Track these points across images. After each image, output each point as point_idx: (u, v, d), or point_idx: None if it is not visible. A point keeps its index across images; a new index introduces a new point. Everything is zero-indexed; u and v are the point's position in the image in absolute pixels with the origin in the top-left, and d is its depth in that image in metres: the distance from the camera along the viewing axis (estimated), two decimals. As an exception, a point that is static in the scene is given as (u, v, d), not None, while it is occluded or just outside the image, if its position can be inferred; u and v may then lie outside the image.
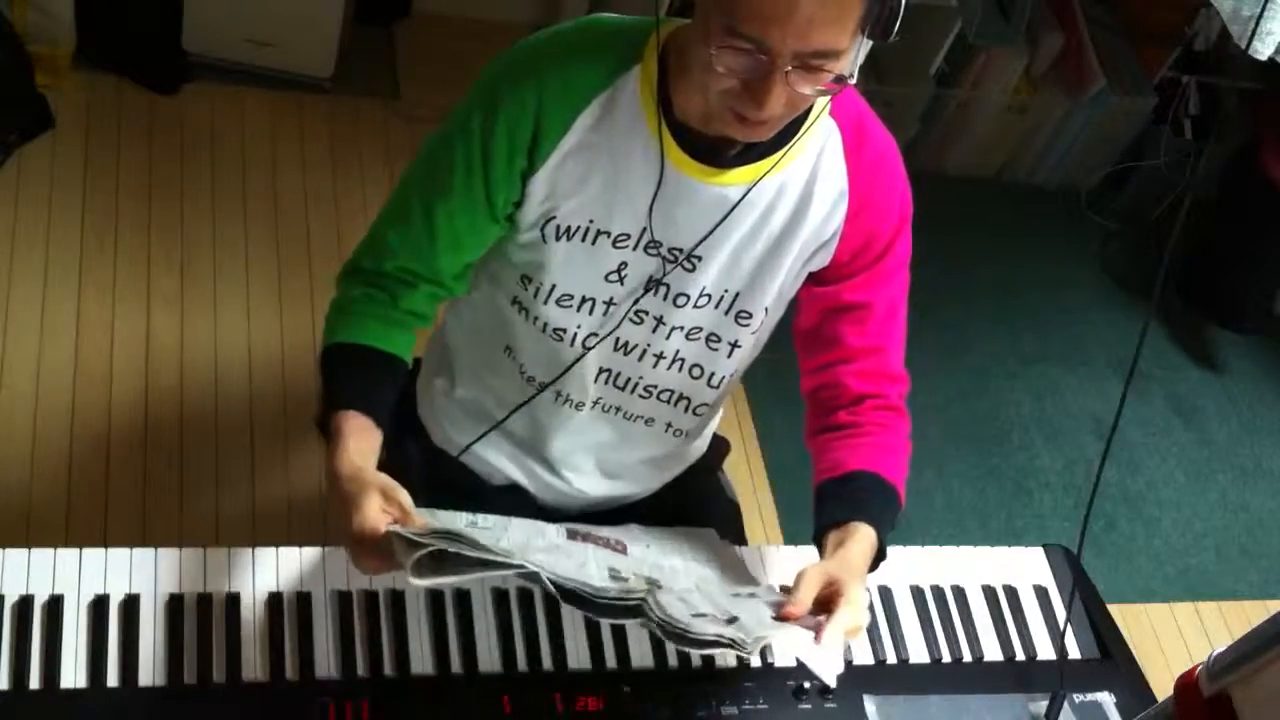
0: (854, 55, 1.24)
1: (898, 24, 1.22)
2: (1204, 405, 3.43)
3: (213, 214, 2.88)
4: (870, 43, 1.25)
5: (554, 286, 1.48)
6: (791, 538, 2.68)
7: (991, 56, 3.36)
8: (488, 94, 1.39)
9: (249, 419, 2.59)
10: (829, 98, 1.34)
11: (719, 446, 1.90)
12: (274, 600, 1.42)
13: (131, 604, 1.38)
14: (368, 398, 1.43)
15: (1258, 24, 1.54)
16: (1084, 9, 3.51)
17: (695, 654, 1.46)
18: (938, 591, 1.65)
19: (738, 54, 1.21)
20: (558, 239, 1.43)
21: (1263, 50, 1.57)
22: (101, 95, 2.99)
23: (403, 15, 3.35)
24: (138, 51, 3.01)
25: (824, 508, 1.49)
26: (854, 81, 1.26)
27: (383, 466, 1.40)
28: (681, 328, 1.52)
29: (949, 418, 3.12)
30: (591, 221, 1.42)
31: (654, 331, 1.52)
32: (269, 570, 1.45)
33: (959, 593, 1.65)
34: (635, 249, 1.44)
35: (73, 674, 1.33)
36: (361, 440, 1.39)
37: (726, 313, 1.51)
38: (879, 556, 1.45)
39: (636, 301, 1.49)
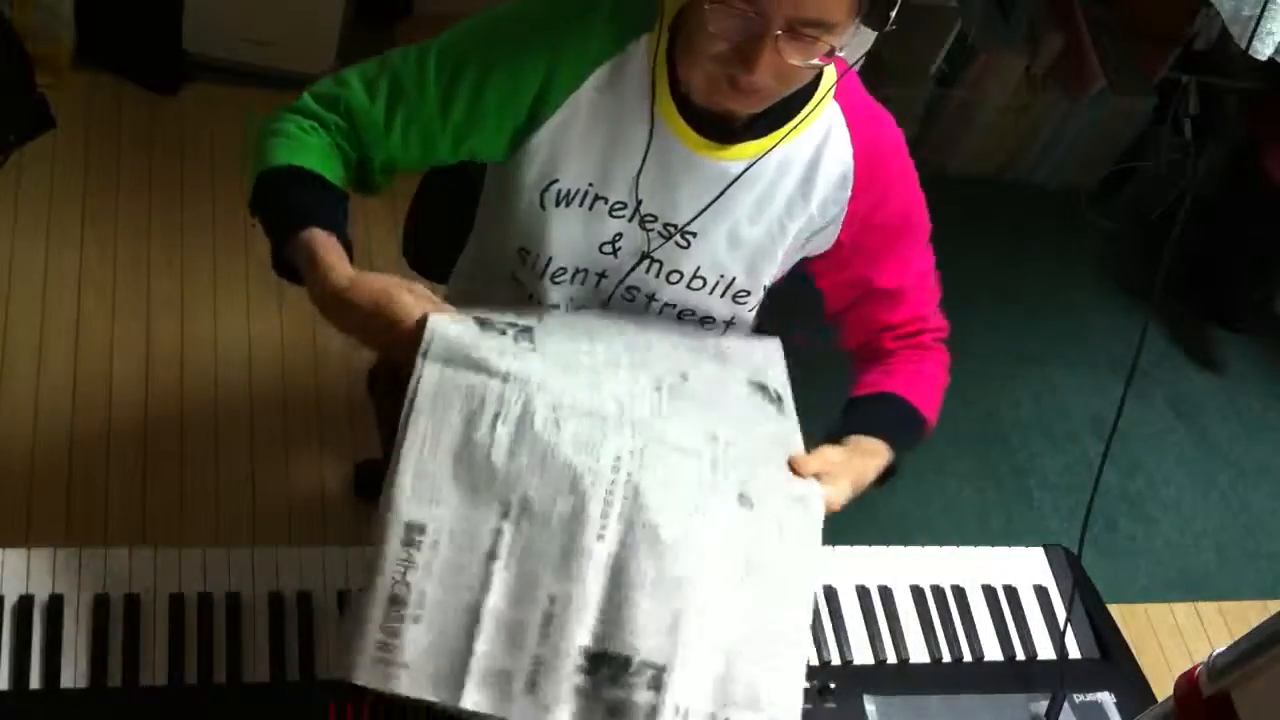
0: (848, 35, 1.24)
1: (894, 12, 1.23)
2: (1204, 405, 3.43)
3: (212, 214, 2.88)
4: (871, 34, 1.26)
5: (551, 259, 1.47)
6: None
7: (991, 56, 3.37)
8: (501, 33, 1.37)
9: (249, 419, 2.59)
10: (834, 81, 1.36)
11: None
12: (275, 600, 1.42)
13: (132, 604, 1.38)
14: (334, 220, 1.35)
15: (1258, 24, 1.55)
16: (1084, 9, 3.51)
17: None
18: (938, 591, 1.65)
19: (731, 14, 1.22)
20: (556, 205, 1.43)
21: (1263, 50, 1.57)
22: (101, 95, 2.99)
23: (403, 15, 3.35)
24: (138, 51, 3.01)
25: (842, 421, 1.51)
26: (842, 52, 1.26)
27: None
28: (673, 305, 1.52)
29: (949, 418, 3.10)
30: (591, 185, 1.42)
31: (645, 309, 1.52)
32: (269, 570, 1.45)
33: (959, 593, 1.65)
34: (631, 220, 1.44)
35: (73, 674, 1.33)
36: (343, 257, 1.31)
37: (723, 296, 1.51)
38: (890, 472, 1.49)
39: (626, 276, 1.49)
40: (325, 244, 1.30)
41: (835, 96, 1.41)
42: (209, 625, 1.38)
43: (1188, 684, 1.25)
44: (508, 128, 1.39)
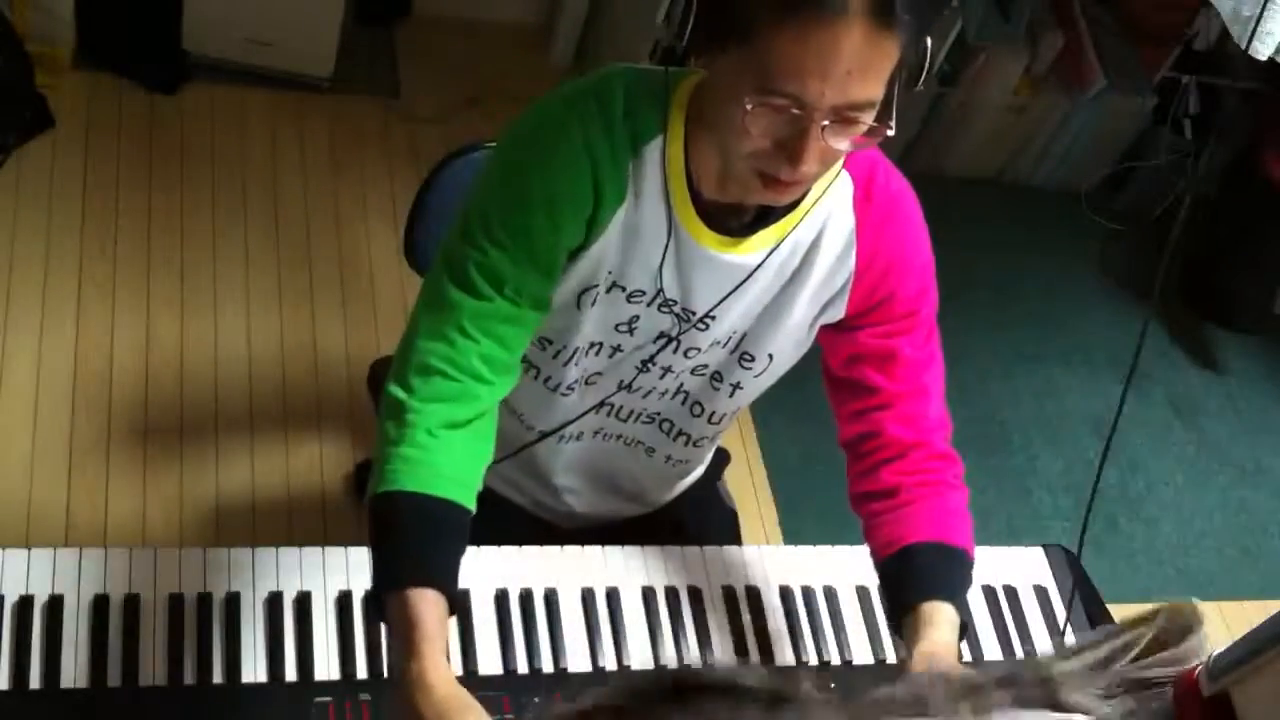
0: (890, 104, 1.19)
1: (924, 74, 1.18)
2: (1204, 405, 3.42)
3: (212, 214, 2.88)
4: None
5: (577, 349, 1.46)
6: (791, 536, 2.68)
7: (991, 56, 3.36)
8: (539, 166, 1.31)
9: (249, 419, 2.59)
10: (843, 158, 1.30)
11: (719, 459, 1.90)
12: (274, 600, 1.42)
13: (131, 604, 1.38)
14: (445, 568, 1.27)
15: (1258, 24, 1.54)
16: (1084, 9, 3.51)
17: None
18: (938, 591, 1.64)
19: (772, 112, 1.15)
20: (592, 305, 1.41)
21: (1263, 50, 1.57)
22: (101, 95, 2.99)
23: (403, 15, 3.35)
24: (138, 51, 3.01)
25: (892, 590, 1.45)
26: (893, 133, 1.19)
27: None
28: (687, 370, 1.52)
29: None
30: (610, 274, 1.39)
31: (661, 378, 1.51)
32: (269, 570, 1.45)
33: (959, 593, 1.65)
34: (650, 305, 1.42)
35: (73, 674, 1.33)
36: (443, 632, 1.24)
37: (732, 352, 1.50)
38: (962, 627, 1.41)
39: (653, 358, 1.48)
40: (430, 616, 1.22)
41: (844, 164, 1.35)
42: (208, 625, 1.38)
43: (1188, 684, 1.25)
44: (565, 250, 1.36)
